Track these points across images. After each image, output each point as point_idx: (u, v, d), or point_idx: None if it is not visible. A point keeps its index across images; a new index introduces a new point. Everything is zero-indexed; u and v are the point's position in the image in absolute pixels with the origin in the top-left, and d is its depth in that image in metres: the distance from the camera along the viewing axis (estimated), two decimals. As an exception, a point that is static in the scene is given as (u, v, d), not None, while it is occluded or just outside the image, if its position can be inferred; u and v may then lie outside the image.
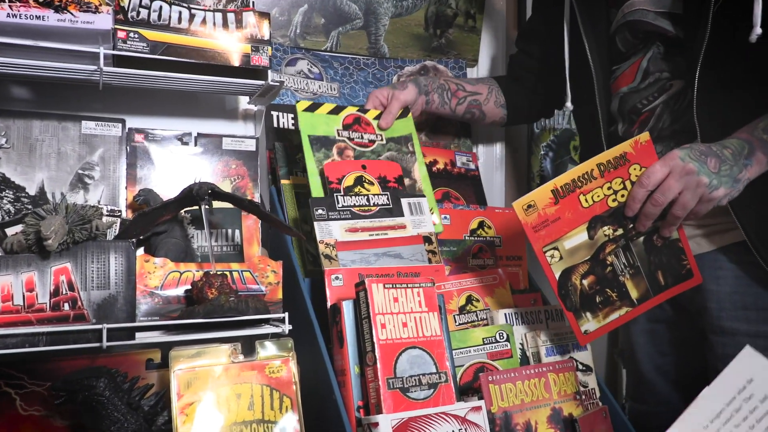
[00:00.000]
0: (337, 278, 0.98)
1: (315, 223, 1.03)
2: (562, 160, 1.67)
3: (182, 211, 1.02)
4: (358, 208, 1.08)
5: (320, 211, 1.05)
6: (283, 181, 1.18)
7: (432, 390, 0.88)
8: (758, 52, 0.85)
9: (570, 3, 1.12)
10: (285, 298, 1.00)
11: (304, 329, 0.97)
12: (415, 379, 0.87)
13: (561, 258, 0.94)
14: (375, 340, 0.87)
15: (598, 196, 0.95)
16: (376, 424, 0.81)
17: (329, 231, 1.04)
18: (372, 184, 1.11)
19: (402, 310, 0.91)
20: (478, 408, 0.88)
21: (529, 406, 0.94)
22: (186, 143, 1.10)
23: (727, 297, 0.96)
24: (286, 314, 0.91)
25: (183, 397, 0.82)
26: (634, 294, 0.99)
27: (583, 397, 1.04)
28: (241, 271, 0.98)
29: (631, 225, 0.97)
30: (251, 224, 1.11)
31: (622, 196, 0.95)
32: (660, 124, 1.04)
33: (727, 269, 1.01)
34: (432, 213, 1.14)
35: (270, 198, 1.18)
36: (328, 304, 0.95)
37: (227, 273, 0.95)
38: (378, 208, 1.10)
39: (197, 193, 0.88)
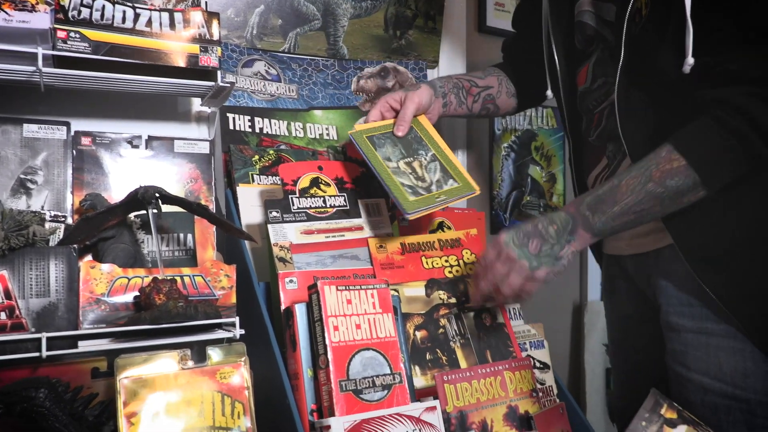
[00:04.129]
0: (291, 281, 0.97)
1: (269, 226, 1.01)
2: (524, 161, 1.68)
3: (132, 215, 1.00)
4: (314, 210, 1.07)
5: (274, 214, 1.03)
6: (240, 185, 1.16)
7: (386, 391, 0.87)
8: (675, 73, 0.85)
9: None
10: (239, 302, 0.98)
11: (259, 334, 0.95)
12: (368, 381, 0.86)
13: (400, 301, 1.01)
14: (327, 342, 0.85)
15: (438, 264, 1.09)
16: (328, 427, 0.80)
17: (284, 233, 1.02)
18: (329, 185, 1.10)
19: (355, 312, 0.90)
20: (433, 408, 0.88)
21: (485, 404, 0.94)
22: (136, 146, 1.08)
23: (674, 292, 0.97)
24: (237, 318, 0.89)
25: (129, 405, 0.80)
26: (463, 364, 1.00)
27: (540, 394, 1.05)
28: (193, 275, 0.96)
29: (464, 298, 1.07)
30: (205, 228, 1.09)
31: (457, 270, 1.10)
32: (609, 126, 1.06)
33: (679, 265, 1.02)
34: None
35: (226, 202, 1.16)
36: (282, 307, 0.94)
37: (177, 278, 0.93)
38: (335, 209, 1.09)
39: (143, 197, 0.86)
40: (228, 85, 1.01)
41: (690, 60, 0.80)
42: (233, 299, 0.98)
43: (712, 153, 0.82)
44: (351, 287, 0.91)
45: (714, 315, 0.89)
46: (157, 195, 0.88)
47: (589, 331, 1.73)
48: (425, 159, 1.09)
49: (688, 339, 0.93)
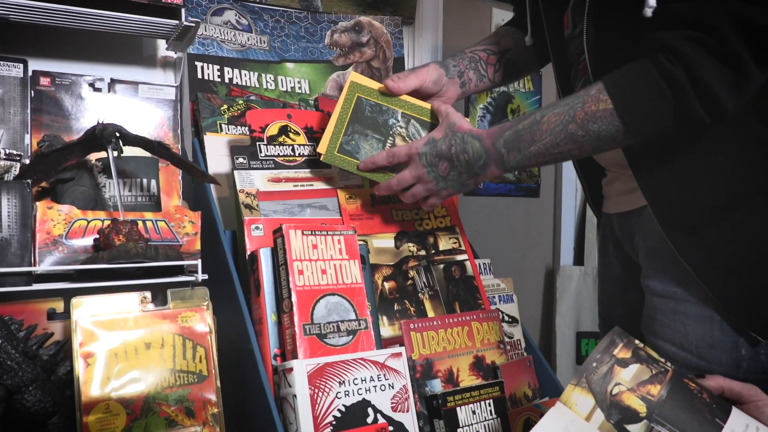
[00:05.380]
0: (257, 228, 0.95)
1: (235, 172, 0.99)
2: (500, 123, 1.67)
3: (93, 159, 0.96)
4: (282, 158, 1.04)
5: (241, 160, 1.01)
6: (207, 134, 1.13)
7: (351, 336, 0.86)
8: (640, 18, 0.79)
9: None
10: (204, 250, 0.96)
11: (224, 281, 0.93)
12: (333, 326, 0.85)
13: (368, 252, 0.99)
14: (291, 286, 0.84)
15: (408, 217, 1.07)
16: (291, 370, 0.79)
17: (250, 180, 1.00)
18: (298, 134, 1.08)
19: (321, 257, 0.88)
20: (398, 354, 0.87)
21: (451, 353, 0.94)
22: (98, 89, 1.04)
23: (647, 254, 0.94)
24: (199, 261, 0.87)
25: (86, 345, 0.78)
26: (431, 315, 1.00)
27: (508, 347, 1.05)
28: (156, 220, 0.94)
29: (433, 251, 1.06)
30: (170, 176, 1.06)
31: (427, 224, 1.09)
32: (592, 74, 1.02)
33: (655, 226, 0.99)
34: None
35: (192, 151, 1.13)
36: (247, 254, 0.92)
37: (139, 222, 0.90)
38: (304, 158, 1.07)
39: (102, 134, 0.83)
40: (193, 24, 0.98)
41: (652, 2, 0.75)
42: (197, 246, 0.96)
43: (642, 100, 0.78)
44: (317, 232, 0.89)
45: (684, 281, 0.86)
46: (117, 134, 0.85)
47: (561, 295, 1.74)
48: (401, 125, 1.01)
49: (656, 303, 0.91)
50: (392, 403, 0.84)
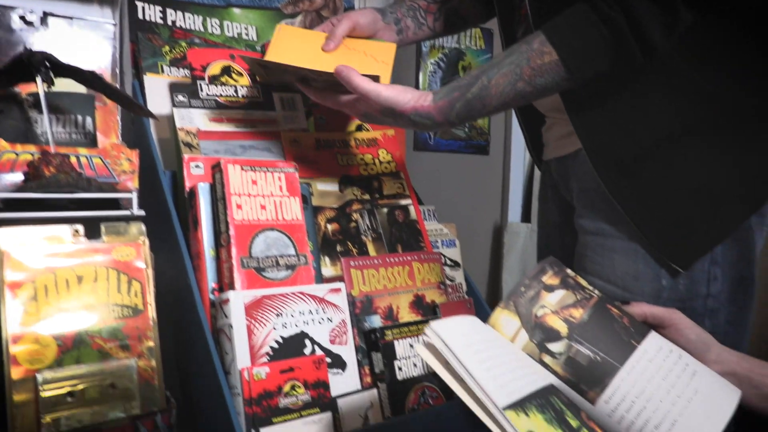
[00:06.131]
0: (197, 166, 0.93)
1: (174, 110, 0.97)
2: (450, 80, 1.67)
3: (24, 93, 0.93)
4: (224, 99, 1.03)
5: (180, 98, 0.99)
6: (148, 74, 1.10)
7: (290, 271, 0.86)
8: None
9: None
10: (143, 189, 0.94)
11: (163, 220, 0.92)
12: (271, 260, 0.85)
13: (312, 194, 1.00)
14: (229, 220, 0.83)
15: (353, 162, 1.09)
16: (227, 301, 0.79)
17: (190, 119, 0.98)
18: (241, 75, 1.06)
19: (261, 193, 0.88)
20: (338, 290, 0.88)
21: (391, 291, 0.95)
22: (30, 23, 1.00)
23: (580, 194, 0.97)
24: (135, 194, 0.86)
25: (13, 276, 0.76)
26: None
27: (450, 289, 1.07)
28: (90, 156, 0.91)
29: (377, 195, 1.07)
30: (108, 115, 1.03)
31: (372, 169, 1.10)
32: (532, 20, 1.04)
33: (589, 167, 1.02)
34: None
35: (132, 92, 1.10)
36: (186, 191, 0.91)
37: (73, 157, 0.88)
38: (247, 100, 1.05)
39: (29, 61, 0.80)
40: (129, -47, 0.94)
41: None
42: (135, 184, 0.94)
43: (584, 45, 0.78)
44: (257, 168, 0.89)
45: (613, 218, 0.89)
46: (47, 62, 0.82)
47: (508, 251, 1.78)
48: None
49: (587, 241, 0.94)
50: (330, 336, 0.85)
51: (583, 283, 0.71)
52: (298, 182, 0.92)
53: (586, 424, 0.57)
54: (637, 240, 0.86)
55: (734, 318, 0.86)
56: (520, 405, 0.53)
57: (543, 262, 0.72)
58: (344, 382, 0.84)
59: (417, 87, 1.61)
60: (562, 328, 0.66)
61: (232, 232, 0.83)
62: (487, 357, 0.58)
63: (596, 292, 0.70)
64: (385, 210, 1.07)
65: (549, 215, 1.15)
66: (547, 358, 0.64)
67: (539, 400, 0.55)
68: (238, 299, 0.79)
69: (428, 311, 0.98)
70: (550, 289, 0.69)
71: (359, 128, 1.21)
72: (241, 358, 0.77)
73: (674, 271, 0.84)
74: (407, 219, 1.08)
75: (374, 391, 0.86)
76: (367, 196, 1.06)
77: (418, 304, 0.97)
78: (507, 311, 0.68)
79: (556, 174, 1.07)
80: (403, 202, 1.09)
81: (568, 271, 0.72)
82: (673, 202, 0.85)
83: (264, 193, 0.88)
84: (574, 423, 0.55)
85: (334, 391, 0.82)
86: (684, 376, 0.62)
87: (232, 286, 0.81)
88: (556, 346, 0.65)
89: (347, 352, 0.86)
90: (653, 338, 0.67)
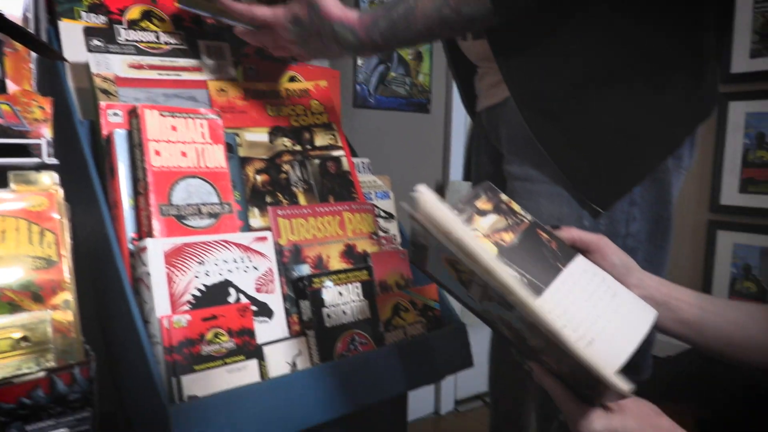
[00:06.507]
0: (115, 114, 0.89)
1: (90, 55, 0.92)
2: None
3: None
4: (145, 45, 0.98)
5: (96, 42, 0.94)
6: (64, 20, 1.04)
7: (213, 219, 0.84)
8: None
9: None
10: (59, 139, 0.90)
11: (80, 170, 0.88)
12: (193, 208, 0.83)
13: (240, 144, 0.98)
14: (147, 166, 0.80)
15: (284, 112, 1.06)
16: (145, 249, 0.76)
17: (107, 64, 0.94)
18: (163, 20, 1.02)
19: (181, 139, 0.85)
20: (264, 239, 0.87)
21: (321, 241, 0.94)
22: (-74, -41, 0.92)
23: (508, 140, 0.98)
24: (44, 140, 0.81)
25: None
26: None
27: (384, 241, 1.07)
28: (-3, 102, 0.86)
29: (309, 146, 1.06)
30: (20, 62, 0.97)
31: (303, 119, 1.08)
32: None
33: (516, 113, 1.03)
34: None
35: (48, 39, 1.04)
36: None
37: (-24, 102, 0.83)
38: (170, 47, 1.01)
39: None
40: None
41: None
42: (49, 133, 0.89)
43: None
44: (177, 114, 0.86)
45: (539, 162, 0.91)
46: (-60, -2, 0.76)
47: (450, 211, 1.79)
48: None
49: (515, 186, 0.95)
50: (256, 284, 0.84)
51: (516, 208, 0.72)
52: (221, 129, 0.89)
53: None
54: (561, 183, 0.88)
55: (652, 257, 0.89)
56: None
57: (477, 187, 0.73)
58: (271, 330, 0.84)
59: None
60: (493, 251, 0.67)
61: (150, 179, 0.80)
62: None
63: (528, 217, 0.71)
64: (316, 161, 1.05)
65: (482, 167, 1.16)
66: None
67: None
68: (156, 247, 0.76)
69: (359, 260, 0.97)
70: (482, 213, 0.70)
71: (291, 79, 1.18)
72: (161, 307, 0.75)
73: (595, 212, 0.86)
74: (339, 170, 1.07)
75: (302, 338, 0.86)
76: (298, 147, 1.04)
77: (349, 253, 0.97)
78: None
79: (486, 123, 1.08)
80: (336, 153, 1.07)
81: (503, 196, 0.73)
82: (595, 145, 0.86)
83: (185, 140, 0.85)
84: None
85: (261, 339, 0.81)
86: (605, 297, 0.65)
87: (150, 235, 0.79)
88: None
89: (274, 300, 0.85)
90: (579, 262, 0.69)
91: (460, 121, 1.82)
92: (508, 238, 0.68)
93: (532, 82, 0.89)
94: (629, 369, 0.92)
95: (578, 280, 0.66)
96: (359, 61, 1.57)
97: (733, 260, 2.24)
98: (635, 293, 0.68)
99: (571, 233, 0.71)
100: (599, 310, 0.63)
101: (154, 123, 0.83)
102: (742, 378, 1.89)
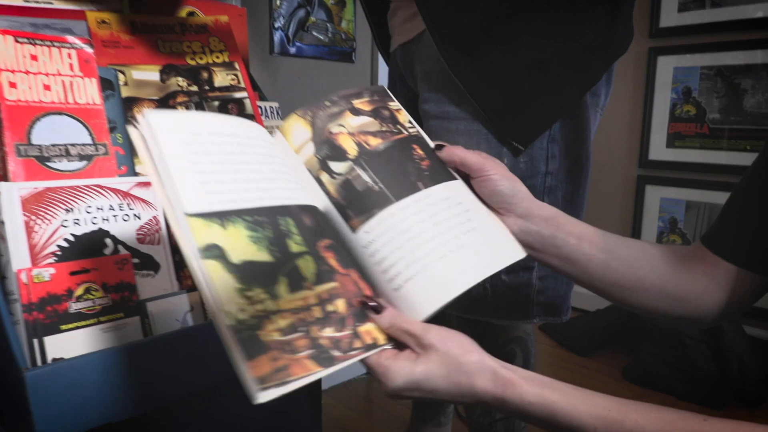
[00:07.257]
0: (-31, 44, 0.77)
1: (-66, -25, 0.79)
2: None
3: None
4: (6, -33, 0.85)
5: (-57, -40, 0.80)
6: None
7: (85, 162, 0.74)
8: None
9: None
10: None
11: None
12: (60, 149, 0.72)
13: (126, 83, 0.89)
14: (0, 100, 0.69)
15: (177, 50, 0.96)
16: (-3, 194, 0.66)
17: (-42, -13, 0.81)
18: (29, -59, 0.88)
19: (43, 70, 0.74)
20: (147, 183, 0.77)
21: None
22: None
23: (424, 77, 0.92)
24: None
25: None
26: None
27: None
28: None
29: (207, 87, 0.97)
30: None
31: (201, 58, 0.98)
32: None
33: (433, 48, 0.96)
34: None
35: None
36: (-47, 72, 0.75)
37: None
38: (39, -28, 0.88)
39: None
40: None
41: None
42: None
43: None
44: (37, 41, 0.74)
45: (456, 99, 0.86)
46: None
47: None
48: None
49: (431, 126, 0.90)
50: (138, 234, 0.75)
51: (402, 119, 0.66)
52: (94, 61, 0.78)
53: (317, 253, 0.52)
54: (480, 120, 0.82)
55: (572, 196, 0.85)
56: (221, 216, 0.46)
57: (365, 87, 0.66)
58: (158, 285, 0.75)
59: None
60: (352, 150, 0.61)
61: (3, 114, 0.69)
62: (214, 160, 0.50)
63: (412, 131, 0.65)
64: (216, 103, 0.95)
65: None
66: (324, 176, 0.59)
67: (260, 217, 0.49)
68: (12, 191, 0.66)
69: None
70: (356, 112, 0.63)
71: (191, 15, 1.08)
72: (18, 259, 0.65)
73: (516, 150, 0.81)
74: (242, 113, 0.97)
75: (195, 293, 0.77)
76: (194, 88, 0.94)
77: (251, 201, 0.89)
78: (302, 120, 0.62)
79: (401, 62, 1.01)
80: (238, 95, 0.98)
81: (392, 104, 0.67)
82: (513, 80, 0.81)
83: (48, 71, 0.74)
84: (294, 248, 0.50)
85: (145, 295, 0.73)
86: (458, 230, 0.57)
87: (5, 178, 0.68)
88: (338, 166, 0.60)
89: (160, 252, 0.76)
90: (447, 188, 0.61)
91: (386, 71, 1.75)
92: (374, 142, 0.61)
93: (448, 15, 0.83)
94: (549, 310, 0.89)
95: (435, 204, 0.58)
96: (276, 1, 1.46)
97: (660, 214, 2.28)
98: (518, 224, 0.61)
99: (454, 153, 0.62)
100: (445, 239, 0.56)
101: (8, 50, 0.71)
102: (661, 328, 1.94)
